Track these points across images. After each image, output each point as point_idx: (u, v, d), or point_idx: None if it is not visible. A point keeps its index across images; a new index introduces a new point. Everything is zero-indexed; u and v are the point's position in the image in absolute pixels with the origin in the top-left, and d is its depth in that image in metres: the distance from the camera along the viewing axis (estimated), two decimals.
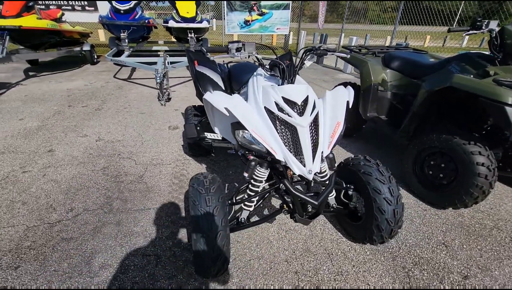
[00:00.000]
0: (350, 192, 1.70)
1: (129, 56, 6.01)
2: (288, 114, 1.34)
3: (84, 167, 2.55)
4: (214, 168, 2.63)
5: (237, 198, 1.59)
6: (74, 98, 4.54)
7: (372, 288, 1.52)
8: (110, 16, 6.54)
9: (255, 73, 1.74)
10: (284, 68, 1.49)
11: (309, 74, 7.10)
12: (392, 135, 2.66)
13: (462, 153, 1.89)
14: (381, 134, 3.56)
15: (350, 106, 1.54)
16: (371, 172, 1.58)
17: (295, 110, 1.35)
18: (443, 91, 2.06)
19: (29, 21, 5.41)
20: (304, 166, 1.32)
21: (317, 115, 1.40)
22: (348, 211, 1.76)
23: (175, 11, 7.18)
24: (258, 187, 1.55)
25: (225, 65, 2.57)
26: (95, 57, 7.73)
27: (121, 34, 6.20)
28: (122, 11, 6.50)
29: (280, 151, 1.35)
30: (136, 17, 6.67)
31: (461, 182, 1.91)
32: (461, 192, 1.92)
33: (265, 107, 1.40)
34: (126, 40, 6.21)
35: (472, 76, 1.93)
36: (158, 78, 4.09)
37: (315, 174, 1.35)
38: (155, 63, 5.00)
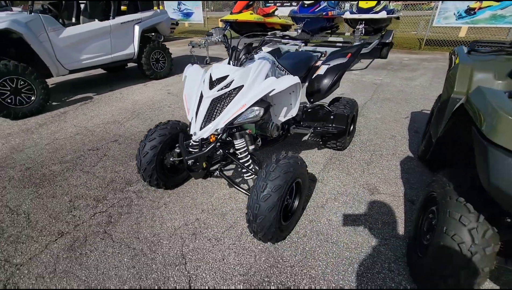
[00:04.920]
0: None
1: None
2: (204, 85, 1.80)
3: None
4: None
5: None
6: None
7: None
8: (296, 10, 7.73)
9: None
10: (231, 49, 1.85)
11: None
12: None
13: None
14: None
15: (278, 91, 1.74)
16: None
17: (213, 85, 1.75)
18: None
19: (243, 16, 7.71)
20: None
21: (229, 94, 1.73)
22: None
23: (356, 1, 7.22)
24: None
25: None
26: None
27: (297, 25, 7.23)
28: (306, 5, 7.47)
29: (192, 113, 1.86)
30: (316, 10, 7.41)
31: None
32: None
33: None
34: (299, 31, 7.12)
35: None
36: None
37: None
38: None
